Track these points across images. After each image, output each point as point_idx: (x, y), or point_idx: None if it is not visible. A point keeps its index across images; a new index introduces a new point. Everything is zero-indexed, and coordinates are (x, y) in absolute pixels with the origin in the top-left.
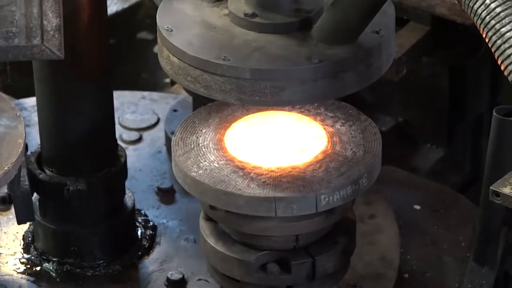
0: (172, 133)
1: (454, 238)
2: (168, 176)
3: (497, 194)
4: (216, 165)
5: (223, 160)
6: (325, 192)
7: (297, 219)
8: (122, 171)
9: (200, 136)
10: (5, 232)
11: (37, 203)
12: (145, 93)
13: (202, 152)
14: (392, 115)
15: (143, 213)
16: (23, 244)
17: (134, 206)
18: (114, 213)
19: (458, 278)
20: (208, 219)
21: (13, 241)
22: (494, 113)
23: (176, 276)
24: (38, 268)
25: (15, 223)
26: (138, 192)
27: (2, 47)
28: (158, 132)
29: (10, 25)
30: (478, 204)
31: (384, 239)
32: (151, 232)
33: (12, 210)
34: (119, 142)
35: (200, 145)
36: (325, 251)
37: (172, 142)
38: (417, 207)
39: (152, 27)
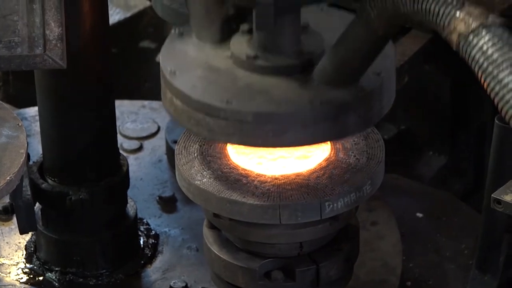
0: (173, 141)
1: (457, 245)
2: (169, 184)
3: (499, 202)
4: (220, 173)
5: (226, 168)
6: (329, 199)
7: (301, 226)
8: (124, 180)
9: (203, 145)
10: (7, 242)
11: (39, 212)
12: (145, 102)
13: (206, 161)
14: (395, 123)
15: (145, 222)
16: (26, 254)
17: (136, 215)
18: (117, 222)
19: (461, 285)
20: (212, 227)
21: (16, 251)
22: (496, 121)
23: (179, 284)
24: (40, 278)
25: (18, 233)
26: (139, 201)
27: (5, 57)
28: (159, 141)
29: (13, 35)
30: (480, 211)
31: (386, 245)
32: (153, 241)
33: (15, 220)
34: (120, 151)
35: (204, 153)
36: (329, 257)
37: (175, 151)
38: (420, 214)
39: (155, 36)
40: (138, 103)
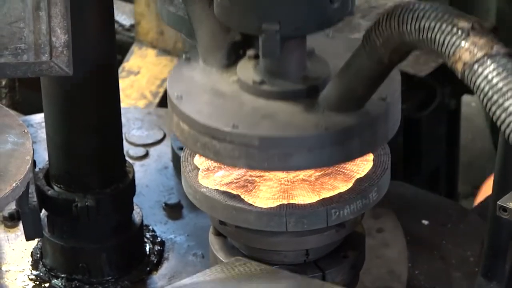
0: (179, 148)
1: (463, 253)
2: (175, 191)
3: (504, 209)
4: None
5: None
6: (336, 206)
7: (307, 234)
8: (130, 187)
9: None
10: (13, 249)
11: (45, 219)
12: (151, 109)
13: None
14: None
15: (151, 229)
16: (32, 261)
17: (142, 222)
18: (123, 229)
19: None
20: (218, 234)
21: (22, 257)
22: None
23: None
24: (46, 285)
25: (24, 239)
26: (145, 208)
27: (11, 64)
28: (165, 148)
29: (19, 42)
30: (486, 219)
31: (392, 253)
32: (159, 247)
33: (20, 226)
34: (126, 158)
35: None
36: (335, 265)
37: (181, 158)
38: (425, 221)
39: None
40: (144, 110)
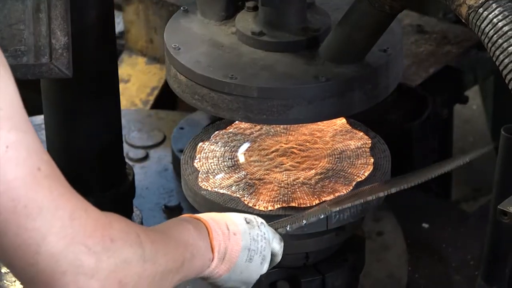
0: (179, 151)
1: (463, 256)
2: (175, 194)
3: (505, 213)
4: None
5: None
6: (336, 210)
7: (307, 237)
8: (130, 189)
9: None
10: None
11: None
12: (152, 111)
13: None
14: None
15: None
16: None
17: (142, 224)
18: None
19: None
20: None
21: None
22: (503, 132)
23: None
24: None
25: None
26: (145, 210)
27: (11, 66)
28: (165, 150)
29: (19, 44)
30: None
31: (392, 256)
32: None
33: None
34: (126, 160)
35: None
36: (334, 268)
37: (181, 161)
38: (426, 225)
39: None
40: (144, 111)
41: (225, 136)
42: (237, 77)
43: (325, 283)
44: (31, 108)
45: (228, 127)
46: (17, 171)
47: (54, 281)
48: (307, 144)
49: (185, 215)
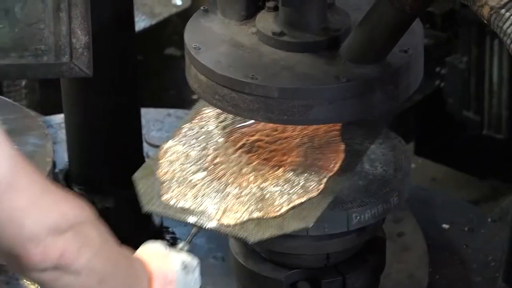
0: None
1: (483, 258)
2: None
3: None
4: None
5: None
6: (357, 211)
7: (328, 238)
8: None
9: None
10: None
11: None
12: (171, 111)
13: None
14: None
15: (171, 231)
16: None
17: (162, 224)
18: (142, 231)
19: None
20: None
21: None
22: None
23: None
24: None
25: None
26: None
27: (32, 65)
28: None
29: (39, 43)
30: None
31: (412, 257)
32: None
33: None
34: (145, 159)
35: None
36: (355, 269)
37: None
38: (446, 226)
39: (180, 43)
40: (163, 111)
41: (189, 132)
42: (258, 78)
43: (345, 284)
44: (51, 107)
45: (193, 119)
46: None
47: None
48: (275, 133)
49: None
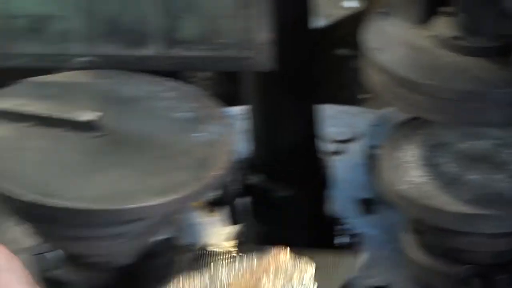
0: (372, 147)
1: None
2: (369, 187)
3: None
4: (423, 180)
5: (429, 175)
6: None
7: (502, 236)
8: (325, 181)
9: (407, 152)
10: (216, 232)
11: (248, 206)
12: (345, 107)
13: (409, 167)
14: None
15: (346, 222)
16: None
17: (334, 215)
18: (317, 221)
19: None
20: (412, 230)
21: (225, 241)
22: None
23: (379, 283)
24: None
25: (227, 224)
26: (339, 201)
27: (215, 57)
28: (358, 145)
29: (223, 37)
30: None
31: None
32: (353, 240)
33: (224, 211)
34: (321, 154)
35: (407, 160)
36: None
37: (378, 156)
38: None
39: (352, 44)
40: (338, 107)
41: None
42: (434, 79)
43: None
44: (232, 99)
45: None
46: None
47: None
48: None
49: None
